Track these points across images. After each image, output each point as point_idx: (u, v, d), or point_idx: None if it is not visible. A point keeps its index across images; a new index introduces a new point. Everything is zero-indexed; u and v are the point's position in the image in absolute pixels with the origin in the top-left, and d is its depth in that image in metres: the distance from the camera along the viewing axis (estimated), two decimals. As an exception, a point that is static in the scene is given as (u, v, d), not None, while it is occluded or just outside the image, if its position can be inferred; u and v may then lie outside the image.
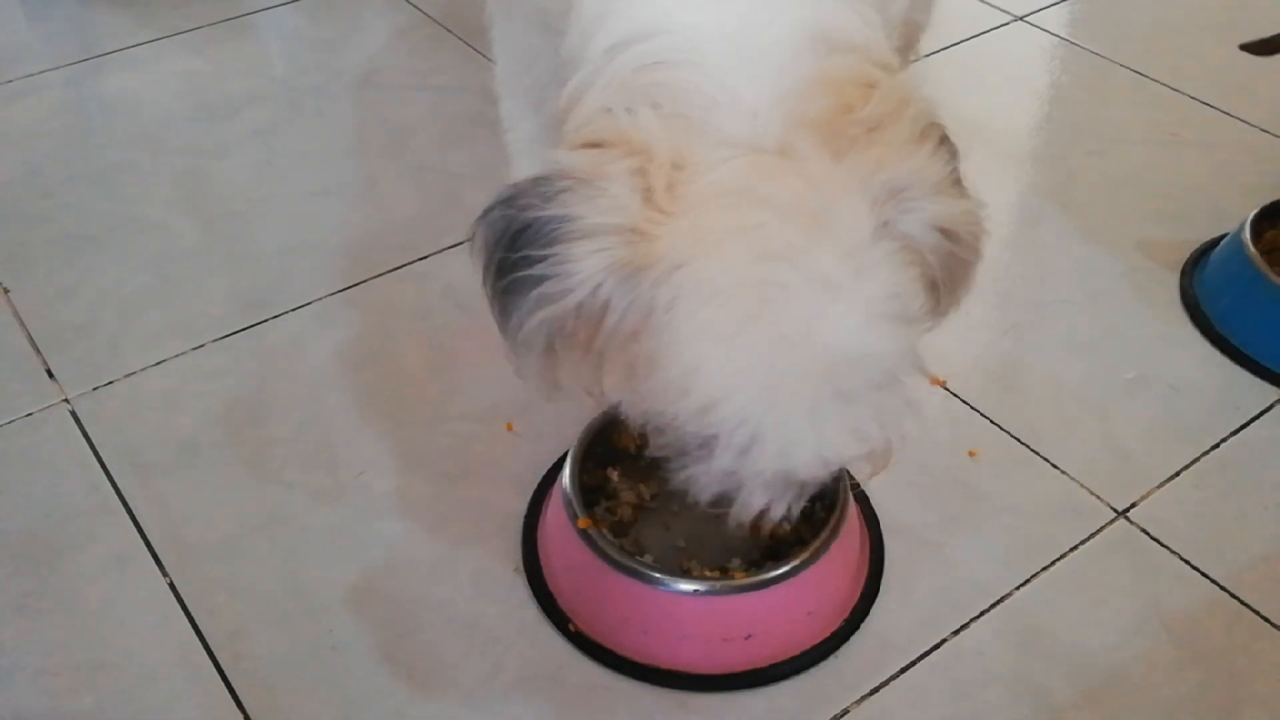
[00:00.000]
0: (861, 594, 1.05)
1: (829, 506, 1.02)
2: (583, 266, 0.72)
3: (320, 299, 1.38)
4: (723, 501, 0.83)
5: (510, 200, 0.76)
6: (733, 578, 0.98)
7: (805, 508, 1.01)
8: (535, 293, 0.74)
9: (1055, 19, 1.94)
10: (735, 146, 0.75)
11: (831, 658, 1.01)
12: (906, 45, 1.08)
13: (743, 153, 0.75)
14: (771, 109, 0.76)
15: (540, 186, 0.74)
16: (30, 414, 1.23)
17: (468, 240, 0.79)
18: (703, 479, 0.81)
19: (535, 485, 1.14)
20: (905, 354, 0.76)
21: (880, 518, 1.11)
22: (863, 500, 1.12)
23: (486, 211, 0.77)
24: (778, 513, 0.83)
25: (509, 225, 0.75)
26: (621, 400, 0.83)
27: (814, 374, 0.73)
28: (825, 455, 0.76)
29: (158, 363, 1.29)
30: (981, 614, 1.05)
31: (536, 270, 0.74)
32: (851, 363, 0.73)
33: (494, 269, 0.77)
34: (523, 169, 1.19)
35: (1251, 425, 1.23)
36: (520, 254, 0.74)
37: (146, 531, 1.11)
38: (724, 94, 0.76)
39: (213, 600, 1.05)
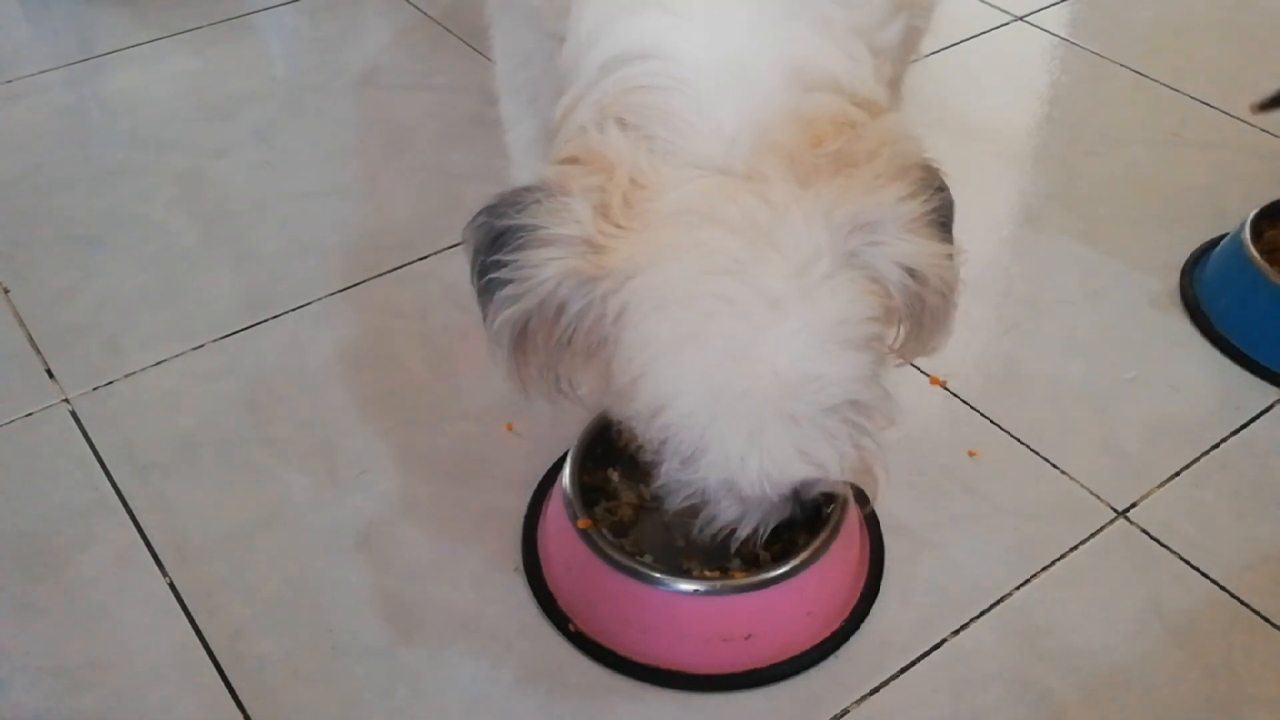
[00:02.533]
0: (861, 594, 1.05)
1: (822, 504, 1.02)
2: (541, 273, 0.76)
3: (320, 299, 1.38)
4: (692, 511, 0.84)
5: (493, 209, 0.80)
6: (733, 578, 0.98)
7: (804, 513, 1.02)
8: (501, 294, 0.79)
9: (1055, 19, 1.94)
10: (704, 169, 0.77)
11: (831, 658, 1.01)
12: (906, 52, 1.08)
13: (709, 174, 0.77)
14: (745, 135, 0.78)
15: (518, 197, 0.78)
16: (30, 414, 1.23)
17: (463, 242, 0.83)
18: (671, 484, 0.84)
19: (535, 485, 1.14)
20: (859, 379, 0.77)
21: (880, 518, 1.11)
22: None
23: (475, 218, 0.81)
24: (744, 531, 0.87)
25: (489, 232, 0.79)
26: (596, 401, 0.87)
27: (756, 391, 0.74)
28: (770, 472, 0.77)
29: (158, 363, 1.29)
30: (981, 614, 1.05)
31: (504, 274, 0.78)
32: (796, 383, 0.75)
33: (477, 270, 0.81)
34: (522, 169, 1.20)
35: (1251, 425, 1.23)
36: (494, 258, 0.79)
37: (146, 531, 1.11)
38: (703, 120, 0.78)
39: (213, 600, 1.05)
